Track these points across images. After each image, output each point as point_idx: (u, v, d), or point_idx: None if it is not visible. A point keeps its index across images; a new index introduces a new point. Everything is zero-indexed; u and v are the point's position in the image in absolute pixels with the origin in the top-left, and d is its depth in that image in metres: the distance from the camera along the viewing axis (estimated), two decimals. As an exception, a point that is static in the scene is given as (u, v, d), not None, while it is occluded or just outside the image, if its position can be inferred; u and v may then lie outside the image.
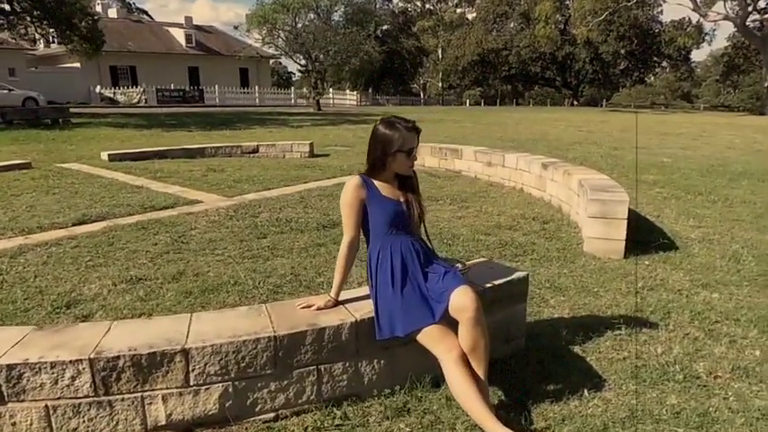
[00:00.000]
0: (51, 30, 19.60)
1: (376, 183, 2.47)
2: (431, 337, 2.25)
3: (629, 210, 4.63)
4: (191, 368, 2.16)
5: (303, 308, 2.45)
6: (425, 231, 2.63)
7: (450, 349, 2.19)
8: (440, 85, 55.40)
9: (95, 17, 21.69)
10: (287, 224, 5.29)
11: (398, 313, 2.30)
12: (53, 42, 21.30)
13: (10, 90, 27.96)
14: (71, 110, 21.22)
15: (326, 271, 4.06)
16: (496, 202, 6.56)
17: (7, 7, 17.99)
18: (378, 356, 2.41)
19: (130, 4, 58.68)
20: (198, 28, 45.05)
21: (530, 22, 47.79)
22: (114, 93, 35.99)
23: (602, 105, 52.73)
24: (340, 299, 2.53)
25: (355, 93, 47.18)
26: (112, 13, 43.01)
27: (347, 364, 2.37)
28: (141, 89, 35.78)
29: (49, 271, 3.94)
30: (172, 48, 41.76)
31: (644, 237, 5.01)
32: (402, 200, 2.45)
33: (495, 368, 2.52)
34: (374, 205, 2.43)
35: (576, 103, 53.99)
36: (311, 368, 2.31)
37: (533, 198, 6.76)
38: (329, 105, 40.83)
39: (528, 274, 2.84)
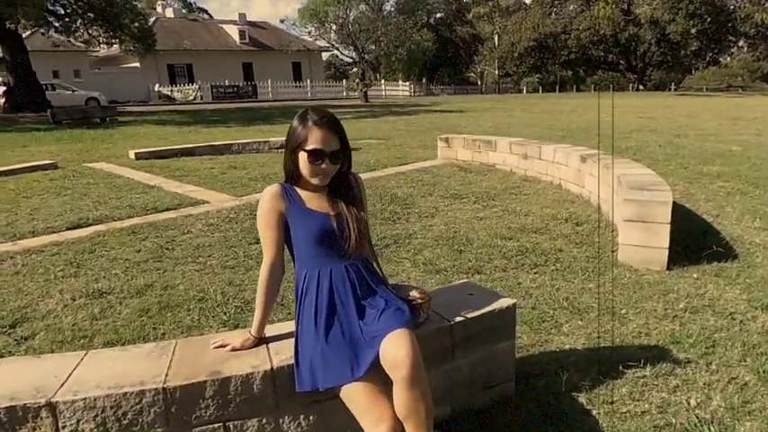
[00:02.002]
0: (103, 31, 20.15)
1: (300, 192, 1.96)
2: (353, 401, 1.72)
3: (681, 209, 3.89)
4: (60, 425, 1.74)
5: (217, 347, 1.98)
6: (372, 250, 2.09)
7: (379, 422, 1.65)
8: (496, 72, 53.75)
9: (146, 17, 22.12)
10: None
11: (320, 363, 1.79)
12: (104, 43, 21.90)
13: (73, 91, 29.31)
14: (129, 108, 21.89)
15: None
16: (527, 199, 5.88)
17: (61, 10, 18.63)
18: (305, 411, 1.91)
19: (191, 4, 60.37)
20: (252, 24, 45.63)
21: (589, 3, 45.34)
22: (171, 90, 37.02)
23: (670, 89, 49.51)
24: (267, 334, 2.04)
25: (408, 83, 46.47)
26: (170, 13, 44.23)
27: (264, 421, 1.88)
28: (197, 86, 36.63)
29: (16, 282, 3.68)
30: (226, 45, 42.51)
31: (696, 242, 4.24)
32: (332, 213, 1.92)
33: (467, 420, 1.97)
34: (296, 220, 1.92)
35: (641, 87, 50.96)
36: (216, 426, 1.84)
37: (570, 195, 6.02)
38: (380, 97, 40.38)
39: (514, 304, 2.24)
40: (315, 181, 1.90)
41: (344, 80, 40.65)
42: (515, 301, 2.27)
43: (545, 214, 5.24)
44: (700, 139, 10.58)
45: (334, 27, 33.57)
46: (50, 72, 32.31)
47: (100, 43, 21.43)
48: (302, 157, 1.87)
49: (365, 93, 28.98)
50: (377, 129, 13.66)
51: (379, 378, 1.71)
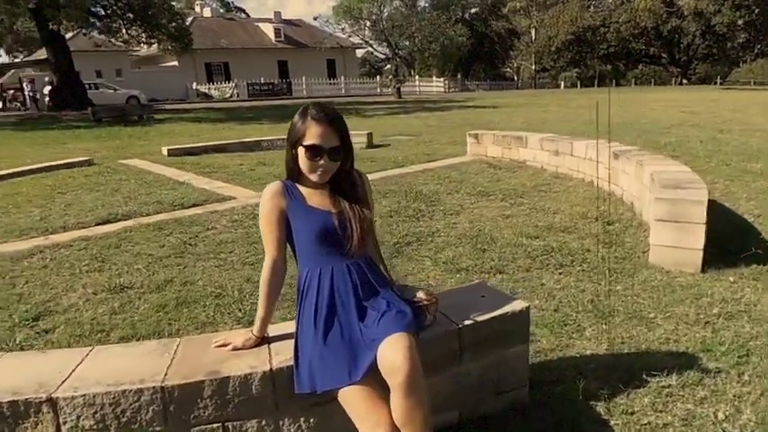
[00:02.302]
0: (142, 31, 20.66)
1: (302, 189, 1.92)
2: (351, 405, 1.66)
3: (720, 208, 3.69)
4: (61, 421, 1.74)
5: (218, 346, 1.95)
6: (377, 250, 2.02)
7: (376, 427, 1.59)
8: (533, 67, 52.79)
9: (183, 17, 22.56)
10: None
11: (318, 364, 1.73)
12: (143, 43, 22.49)
13: (115, 90, 30.20)
14: (167, 106, 22.42)
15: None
16: (557, 197, 5.71)
17: (102, 12, 19.18)
18: (305, 414, 1.86)
19: (229, 3, 61.38)
20: (287, 22, 46.06)
21: (630, -6, 44.05)
22: (209, 88, 37.71)
23: (716, 83, 47.67)
24: (270, 334, 2.01)
25: (442, 79, 46.07)
26: (207, 12, 45.03)
27: (263, 423, 1.84)
28: (233, 84, 37.21)
29: (43, 276, 3.77)
30: (262, 43, 43.02)
31: (735, 243, 4.02)
32: (334, 211, 1.87)
33: (476, 427, 1.89)
34: (297, 218, 1.88)
35: (685, 81, 49.23)
36: (215, 426, 1.82)
37: (602, 193, 5.82)
38: (414, 93, 40.19)
39: (528, 307, 2.15)
40: (314, 177, 1.85)
41: (378, 77, 40.56)
42: (528, 304, 2.17)
43: (574, 213, 5.07)
44: (745, 135, 10.11)
45: (368, 24, 33.58)
46: (94, 72, 33.37)
47: (139, 43, 21.93)
48: (301, 152, 1.83)
49: (398, 89, 28.87)
50: (408, 125, 13.56)
51: (377, 382, 1.64)
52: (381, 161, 8.05)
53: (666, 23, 43.14)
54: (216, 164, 8.13)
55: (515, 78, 55.34)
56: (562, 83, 51.05)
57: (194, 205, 5.63)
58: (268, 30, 43.82)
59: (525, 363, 2.19)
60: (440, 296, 2.22)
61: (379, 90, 41.13)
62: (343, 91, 40.12)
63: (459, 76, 49.53)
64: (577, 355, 2.63)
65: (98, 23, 19.32)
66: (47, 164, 8.14)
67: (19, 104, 30.62)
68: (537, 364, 2.56)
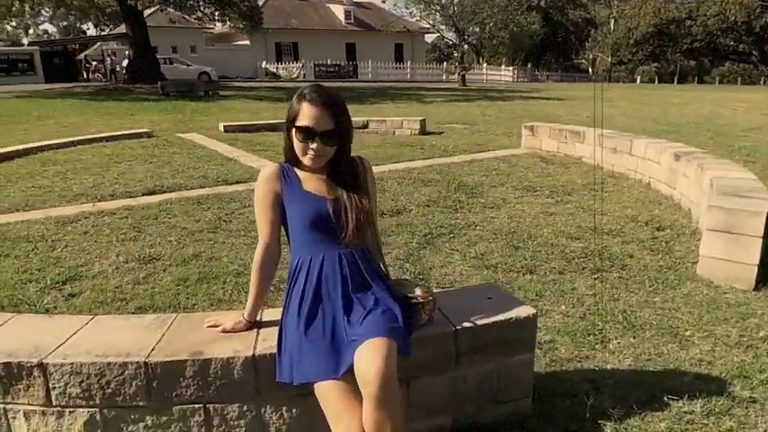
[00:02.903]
0: (213, 8, 21.22)
1: (299, 173, 1.85)
2: (326, 402, 1.59)
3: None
4: (51, 386, 1.78)
5: (210, 326, 1.93)
6: (376, 242, 1.93)
7: (348, 431, 1.52)
8: (609, 60, 50.44)
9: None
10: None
11: (297, 355, 1.68)
12: (215, 21, 23.09)
13: (188, 65, 31.28)
14: (236, 84, 23.03)
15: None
16: (608, 197, 5.39)
17: (179, -12, 19.84)
18: (288, 403, 1.82)
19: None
20: (357, 4, 46.03)
21: (722, -14, 41.01)
22: (277, 68, 38.38)
23: (812, 84, 43.83)
24: (265, 319, 1.97)
25: (511, 68, 44.84)
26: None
27: (245, 408, 1.81)
28: (301, 64, 37.71)
29: (82, 242, 3.92)
30: (332, 24, 43.26)
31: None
32: (330, 198, 1.79)
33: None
34: (291, 202, 1.82)
35: (776, 81, 45.57)
36: (197, 407, 1.80)
37: (659, 196, 5.45)
38: (481, 81, 39.36)
39: (535, 314, 2.00)
40: (306, 161, 1.78)
41: (445, 63, 39.97)
42: (535, 311, 2.02)
43: (624, 215, 4.77)
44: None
45: (438, 8, 33.06)
46: (170, 47, 34.72)
47: (211, 20, 22.52)
48: (294, 134, 1.76)
49: (463, 76, 28.33)
50: (466, 113, 13.26)
51: (354, 380, 1.57)
52: (430, 149, 7.90)
53: (760, 18, 39.91)
54: (267, 142, 8.24)
55: (589, 71, 53.09)
56: (638, 77, 48.55)
57: (237, 182, 5.72)
58: (338, 11, 43.99)
59: (529, 372, 2.05)
60: (443, 295, 2.12)
61: (445, 77, 40.58)
62: (408, 76, 39.80)
63: (529, 65, 48.06)
64: (596, 369, 2.45)
65: (173, 0, 19.99)
66: (110, 134, 8.52)
67: (100, 76, 32.35)
68: (550, 373, 2.41)
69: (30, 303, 2.96)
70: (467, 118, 12.25)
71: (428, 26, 34.13)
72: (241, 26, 23.16)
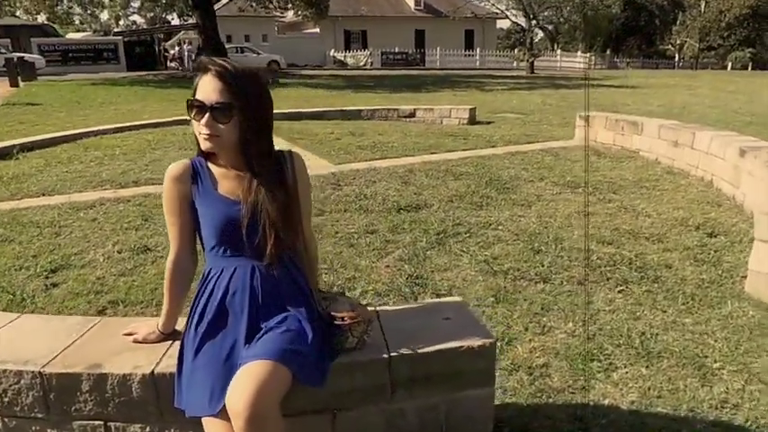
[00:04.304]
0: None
1: (213, 169, 1.59)
2: None
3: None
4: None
5: (126, 334, 1.75)
6: (309, 250, 1.67)
7: None
8: (697, 45, 46.86)
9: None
10: (360, 201, 4.55)
11: (186, 382, 1.45)
12: (280, 8, 23.35)
13: (258, 54, 32.01)
14: (303, 72, 23.26)
15: (346, 266, 3.26)
16: (659, 197, 4.81)
17: (244, -23, 20.13)
18: (195, 428, 1.59)
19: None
20: (428, -9, 45.29)
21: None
22: (345, 56, 38.50)
23: None
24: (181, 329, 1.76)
25: (587, 55, 42.61)
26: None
27: (148, 430, 1.62)
28: (368, 52, 37.63)
29: (86, 228, 3.91)
30: (401, 11, 42.83)
31: None
32: (246, 201, 1.51)
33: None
34: (201, 205, 1.57)
35: None
36: (97, 423, 1.64)
37: (720, 196, 4.80)
38: (554, 68, 37.69)
39: (493, 343, 1.66)
40: (201, 145, 1.52)
41: (515, 50, 38.57)
42: (494, 339, 1.69)
43: (672, 217, 4.22)
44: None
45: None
46: (243, 36, 35.68)
47: (276, 9, 22.79)
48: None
49: (531, 63, 27.15)
50: (524, 102, 12.58)
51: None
52: (474, 140, 7.47)
53: None
54: (307, 130, 8.11)
55: (676, 57, 49.63)
56: (730, 64, 44.78)
57: (263, 171, 5.59)
58: (408, -3, 43.49)
59: (487, 410, 1.72)
60: (392, 313, 1.83)
61: (515, 64, 39.22)
62: (477, 63, 38.78)
63: (608, 51, 45.51)
64: (590, 404, 2.08)
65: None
66: (157, 120, 8.69)
67: (176, 64, 33.71)
68: (533, 405, 2.07)
69: (10, 292, 2.93)
70: (524, 107, 11.60)
71: (497, 11, 32.89)
72: (307, 14, 23.27)
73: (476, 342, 1.63)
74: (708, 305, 2.86)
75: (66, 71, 24.19)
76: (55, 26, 33.36)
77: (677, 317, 2.74)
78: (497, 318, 2.70)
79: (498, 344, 2.46)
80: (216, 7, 33.40)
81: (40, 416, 1.64)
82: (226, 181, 1.56)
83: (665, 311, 2.79)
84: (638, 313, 2.77)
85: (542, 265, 3.32)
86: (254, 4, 21.98)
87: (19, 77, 17.17)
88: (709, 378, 2.23)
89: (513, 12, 34.40)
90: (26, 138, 7.36)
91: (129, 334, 1.74)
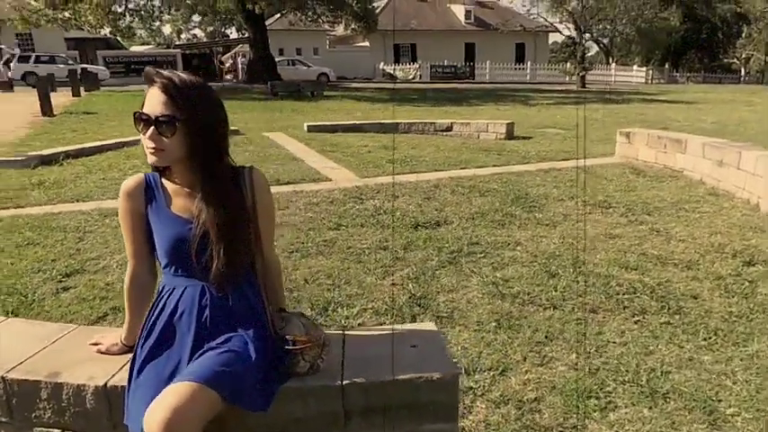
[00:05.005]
0: (327, 10, 21.76)
1: (168, 186, 1.56)
2: None
3: None
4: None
5: (92, 344, 1.75)
6: (270, 269, 1.62)
7: None
8: (763, 59, 44.53)
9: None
10: (379, 215, 4.50)
11: (130, 400, 1.43)
12: (328, 22, 23.69)
13: (308, 66, 32.68)
14: (352, 85, 23.58)
15: (350, 283, 3.20)
16: (697, 220, 4.53)
17: (295, -9, 20.62)
18: (146, 447, 1.57)
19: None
20: (480, 4, 45.07)
21: None
22: (394, 69, 38.74)
23: None
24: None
25: (644, 69, 41.22)
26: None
27: (103, 442, 1.60)
28: (417, 65, 37.74)
29: (107, 235, 4.01)
30: (451, 24, 42.81)
31: None
32: (198, 220, 1.47)
33: None
34: (154, 223, 1.54)
35: None
36: (55, 431, 1.63)
37: (766, 221, 4.47)
38: (608, 83, 36.65)
39: (456, 375, 1.56)
40: (148, 159, 1.48)
41: (568, 63, 37.78)
42: (457, 372, 1.58)
43: (708, 243, 3.95)
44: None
45: (569, 8, 31.25)
46: (294, 49, 36.53)
47: (323, 22, 23.17)
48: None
49: (582, 77, 26.48)
50: (568, 117, 12.24)
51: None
52: (507, 155, 7.30)
53: None
54: (342, 143, 8.14)
55: (741, 71, 47.33)
56: (801, 79, 42.26)
57: (288, 183, 5.64)
58: (459, 11, 43.41)
59: (450, 449, 1.61)
60: (356, 338, 1.75)
61: (567, 78, 38.41)
62: (528, 77, 38.23)
63: (666, 65, 43.89)
64: (577, 448, 1.93)
65: (290, 3, 20.80)
66: (199, 130, 8.91)
67: (231, 76, 34.84)
68: (517, 444, 1.93)
69: (23, 294, 3.03)
70: (567, 122, 11.28)
71: (546, 25, 32.35)
72: (356, 28, 23.56)
73: (436, 374, 1.53)
74: (732, 342, 2.63)
75: (128, 82, 25.40)
76: (119, 39, 35.11)
77: (695, 353, 2.53)
78: (496, 345, 2.57)
79: (491, 373, 2.35)
80: (270, 21, 34.48)
81: (3, 419, 1.67)
82: (178, 198, 1.53)
83: (682, 347, 2.58)
84: (651, 347, 2.57)
85: (555, 290, 3.15)
86: (303, 19, 22.39)
87: (81, 87, 18.13)
88: (720, 425, 2.04)
89: (566, 25, 33.80)
90: (74, 145, 7.72)
91: (96, 344, 1.74)
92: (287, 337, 1.51)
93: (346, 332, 1.81)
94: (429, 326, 1.88)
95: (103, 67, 27.52)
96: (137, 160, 6.77)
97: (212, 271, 1.47)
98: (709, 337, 2.66)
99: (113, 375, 1.60)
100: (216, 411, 1.31)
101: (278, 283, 1.71)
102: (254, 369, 1.41)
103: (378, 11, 33.63)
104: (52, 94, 14.50)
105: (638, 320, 2.84)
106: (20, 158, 6.33)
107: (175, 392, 1.25)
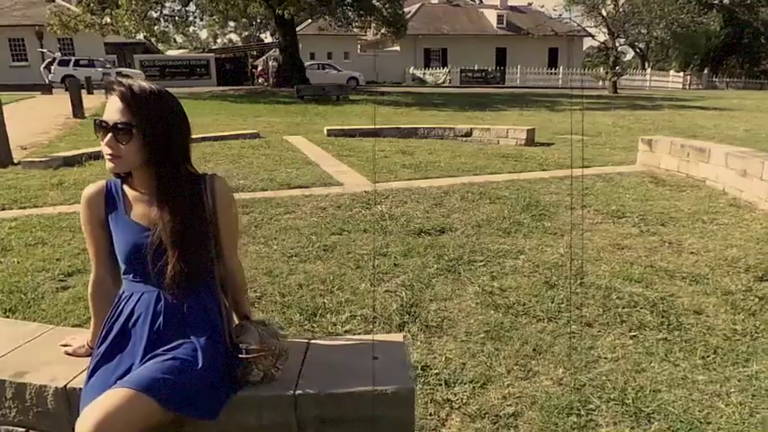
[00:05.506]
0: (356, 15, 21.89)
1: (129, 192, 1.57)
2: None
3: None
4: None
5: (62, 345, 1.78)
6: (235, 278, 1.63)
7: None
8: (809, 65, 42.85)
9: (400, 2, 23.27)
10: (384, 221, 4.48)
11: (82, 403, 1.44)
12: (358, 27, 23.80)
13: (338, 71, 32.96)
14: (380, 89, 23.66)
15: (344, 289, 3.19)
16: (714, 232, 4.36)
17: (325, -3, 20.80)
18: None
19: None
20: (512, 8, 44.68)
21: None
22: (424, 73, 38.73)
23: None
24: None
25: (681, 74, 40.18)
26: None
27: (65, 443, 1.63)
28: (447, 70, 37.61)
29: (116, 236, 4.09)
30: (483, 29, 42.52)
31: None
32: (155, 227, 1.49)
33: None
34: (114, 230, 1.56)
35: None
36: (20, 430, 1.68)
37: (787, 234, 4.29)
38: (643, 88, 35.86)
39: (412, 390, 1.52)
40: (106, 165, 1.50)
41: (601, 68, 37.09)
42: (413, 387, 1.54)
43: (721, 256, 3.80)
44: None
45: (604, 12, 30.70)
46: (325, 53, 36.86)
47: (351, 26, 23.31)
48: None
49: (614, 83, 25.93)
50: (594, 123, 11.99)
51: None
52: (525, 161, 7.18)
53: None
54: (358, 147, 8.16)
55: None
56: None
57: (300, 186, 5.67)
58: (491, 16, 43.10)
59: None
60: (319, 346, 1.74)
61: (600, 83, 37.68)
62: (560, 82, 37.68)
63: (706, 71, 42.67)
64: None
65: (320, 8, 20.99)
66: (220, 134, 9.07)
67: (262, 80, 35.36)
68: (487, 460, 1.88)
69: (24, 292, 3.10)
70: (592, 129, 11.05)
71: (578, 29, 31.82)
72: (385, 32, 23.63)
73: (390, 388, 1.50)
74: (732, 361, 2.52)
75: (163, 85, 25.81)
76: (157, 44, 36.00)
77: (690, 372, 2.42)
78: (481, 356, 2.52)
79: (471, 386, 2.30)
80: (302, 26, 34.88)
81: (-29, 416, 1.71)
82: (138, 205, 1.55)
83: (677, 365, 2.48)
84: (643, 364, 2.48)
85: (552, 302, 3.07)
86: (333, 24, 22.58)
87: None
88: (706, 450, 1.94)
89: (600, 30, 33.21)
90: (98, 147, 7.92)
91: (66, 345, 1.77)
92: (240, 345, 1.51)
93: (311, 341, 1.80)
94: (397, 337, 1.85)
95: (139, 71, 28.33)
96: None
97: (166, 278, 1.47)
98: (707, 356, 2.55)
99: (75, 377, 1.62)
100: (154, 419, 1.31)
101: (242, 291, 1.71)
102: (201, 377, 1.41)
103: (409, 16, 33.70)
104: (89, 97, 14.98)
105: (635, 336, 2.74)
106: (44, 159, 6.53)
107: (108, 398, 1.26)
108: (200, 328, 1.50)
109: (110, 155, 1.45)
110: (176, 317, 1.49)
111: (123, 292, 1.58)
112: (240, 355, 1.49)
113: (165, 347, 1.44)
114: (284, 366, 1.58)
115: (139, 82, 1.48)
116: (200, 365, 1.41)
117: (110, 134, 1.43)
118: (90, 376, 1.46)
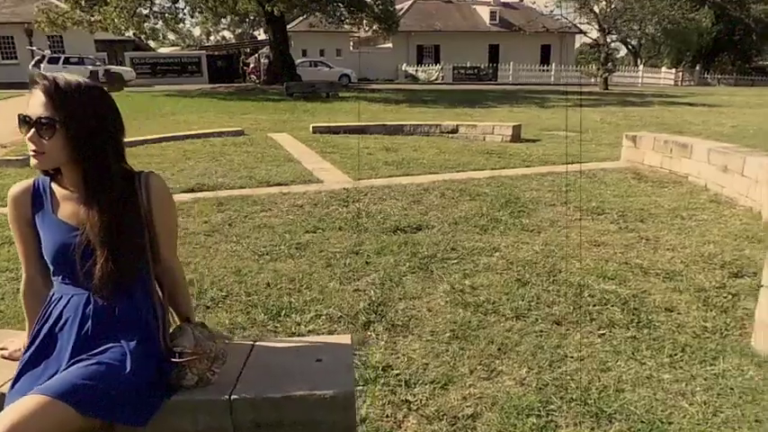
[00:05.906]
0: (347, 11, 21.74)
1: (57, 191, 1.51)
2: None
3: None
4: None
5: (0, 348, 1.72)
6: (173, 280, 1.58)
7: None
8: (800, 61, 43.01)
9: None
10: (359, 219, 4.43)
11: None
12: (349, 23, 23.64)
13: (330, 68, 32.80)
14: (371, 86, 23.55)
15: (312, 287, 3.13)
16: (692, 229, 4.33)
17: (316, -7, 20.64)
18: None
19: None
20: (505, 5, 44.61)
21: None
22: (416, 70, 38.62)
23: None
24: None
25: (673, 71, 40.23)
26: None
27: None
28: (439, 67, 37.54)
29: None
30: (475, 26, 42.46)
31: None
32: (84, 227, 1.43)
33: None
34: (42, 230, 1.50)
35: None
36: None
37: (767, 230, 4.26)
38: (635, 85, 35.89)
39: (353, 393, 1.47)
40: (30, 162, 1.45)
41: (592, 65, 37.12)
42: (353, 391, 1.49)
43: (697, 253, 3.77)
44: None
45: (596, 8, 30.74)
46: (317, 51, 36.70)
47: (343, 23, 23.17)
48: None
49: (605, 79, 25.94)
50: (583, 119, 11.96)
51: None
52: (509, 158, 7.15)
53: None
54: (341, 144, 8.10)
55: (776, 73, 45.72)
56: (840, 81, 40.69)
57: (278, 184, 5.61)
58: (483, 12, 43.01)
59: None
60: (266, 349, 1.69)
61: (592, 80, 37.70)
62: (552, 79, 37.66)
63: (697, 67, 42.74)
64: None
65: (311, 5, 20.87)
66: (205, 131, 8.99)
67: (254, 77, 35.18)
68: (440, 464, 1.84)
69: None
70: (579, 125, 11.03)
71: (569, 26, 31.81)
72: (377, 29, 23.52)
73: (329, 392, 1.45)
74: (699, 360, 2.48)
75: (154, 83, 25.93)
76: (146, 41, 35.75)
77: (656, 371, 2.38)
78: (445, 356, 2.47)
79: (432, 386, 2.25)
80: (294, 23, 34.71)
81: None
82: (67, 204, 1.48)
83: (643, 363, 2.44)
84: (609, 363, 2.44)
85: (522, 300, 3.03)
86: (324, 20, 22.45)
87: (105, 88, 18.47)
88: (666, 451, 1.91)
89: (592, 26, 33.22)
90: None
91: (2, 348, 1.71)
92: (174, 348, 1.45)
93: (256, 343, 1.75)
94: (344, 339, 1.80)
95: (129, 68, 28.13)
96: (136, 160, 6.81)
97: (95, 279, 1.42)
98: (675, 354, 2.51)
99: (6, 382, 1.56)
100: (72, 426, 1.26)
101: (181, 292, 1.65)
102: (129, 381, 1.36)
103: (401, 12, 33.57)
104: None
105: (603, 334, 2.70)
106: (21, 158, 6.44)
107: (24, 404, 1.21)
108: (131, 331, 1.44)
109: (33, 151, 1.39)
110: (106, 320, 1.43)
111: (53, 295, 1.52)
112: (173, 359, 1.43)
113: (92, 352, 1.38)
114: (224, 369, 1.53)
115: (65, 76, 1.42)
116: (128, 370, 1.36)
117: (33, 129, 1.37)
118: (15, 382, 1.40)
